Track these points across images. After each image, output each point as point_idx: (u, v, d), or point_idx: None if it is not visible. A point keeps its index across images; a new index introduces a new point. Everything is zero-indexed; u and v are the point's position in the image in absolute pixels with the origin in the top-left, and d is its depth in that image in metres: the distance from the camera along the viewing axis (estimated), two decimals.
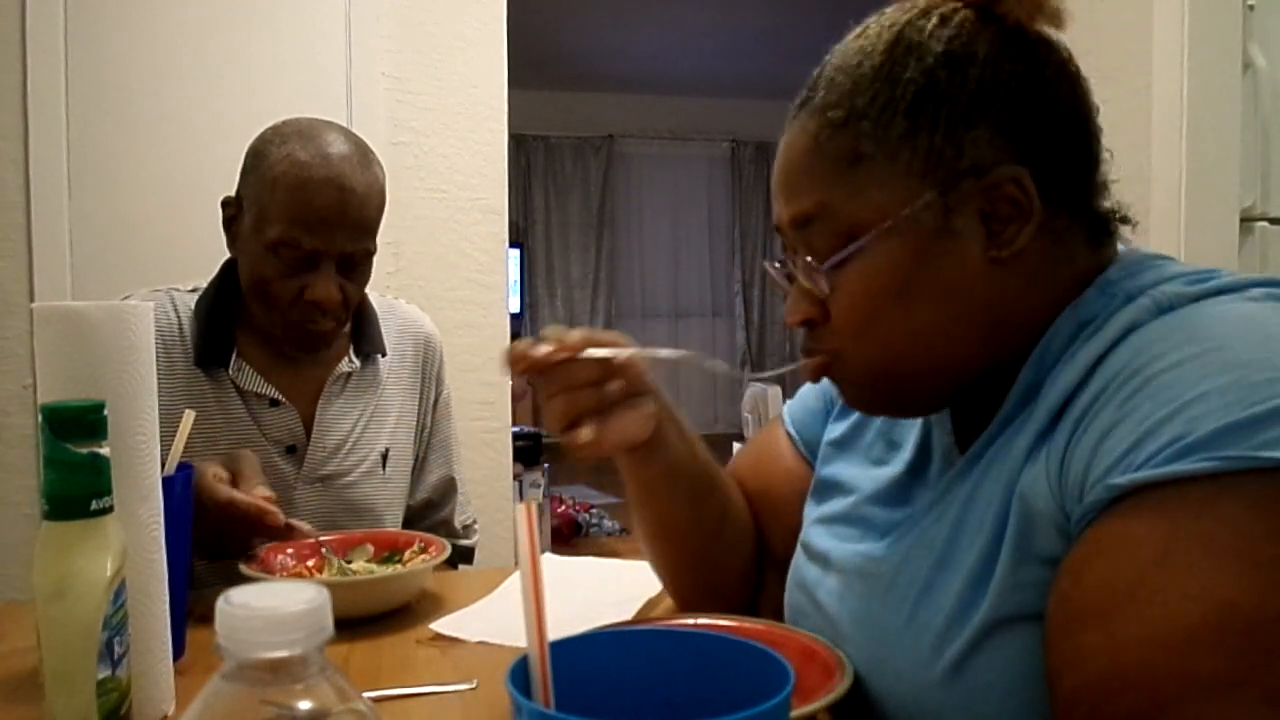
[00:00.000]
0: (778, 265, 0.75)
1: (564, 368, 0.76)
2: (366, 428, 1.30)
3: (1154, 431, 0.53)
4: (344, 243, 1.17)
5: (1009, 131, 0.64)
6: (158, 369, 1.19)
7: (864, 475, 0.80)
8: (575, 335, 0.76)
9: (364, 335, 1.32)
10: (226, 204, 1.25)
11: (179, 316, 1.25)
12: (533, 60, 5.86)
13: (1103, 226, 0.69)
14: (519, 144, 6.89)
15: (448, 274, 2.40)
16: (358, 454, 1.29)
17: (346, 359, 1.30)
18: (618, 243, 7.47)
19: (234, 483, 1.04)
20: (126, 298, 1.23)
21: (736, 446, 4.71)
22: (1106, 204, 0.69)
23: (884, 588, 0.69)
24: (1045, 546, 0.59)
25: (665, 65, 6.51)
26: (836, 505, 0.81)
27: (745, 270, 7.68)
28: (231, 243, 1.25)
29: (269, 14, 2.29)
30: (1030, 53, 0.66)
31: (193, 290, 1.29)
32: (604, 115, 7.26)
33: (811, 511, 0.84)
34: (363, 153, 1.21)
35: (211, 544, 1.01)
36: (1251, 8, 2.19)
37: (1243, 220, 2.23)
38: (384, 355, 1.34)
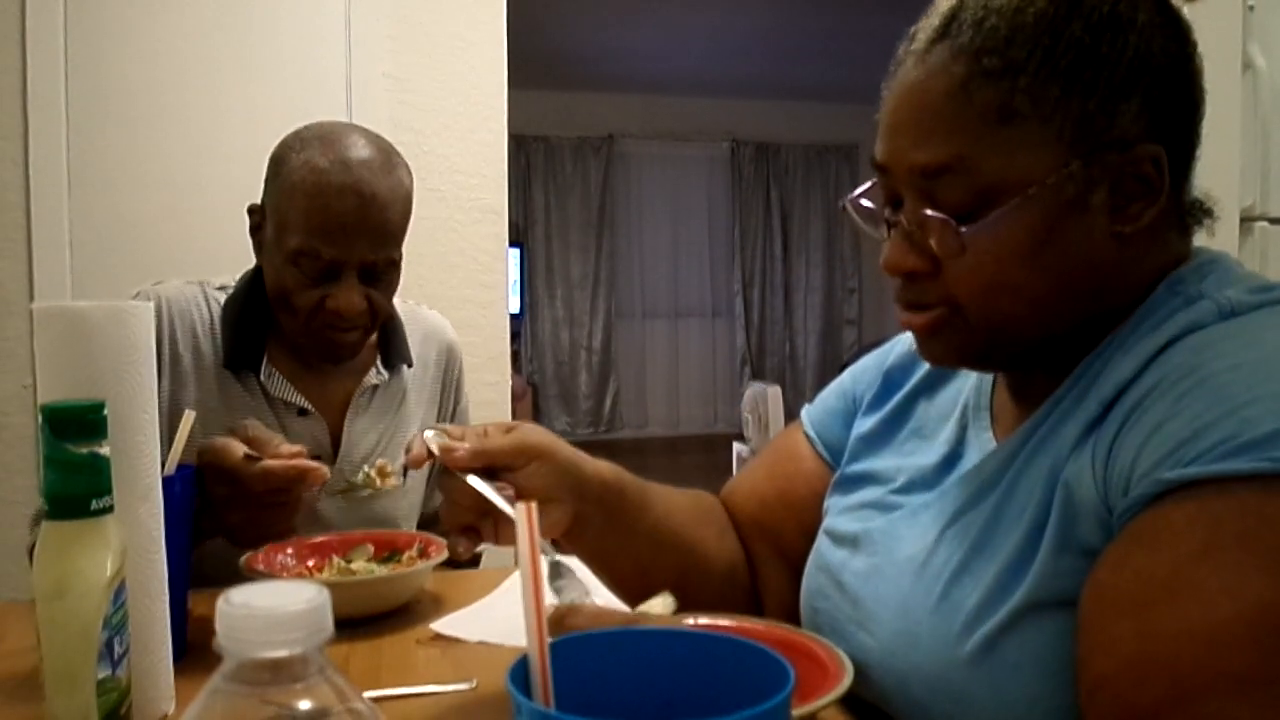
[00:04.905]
0: (865, 204, 0.72)
1: (447, 484, 0.76)
2: (391, 441, 1.28)
3: (1206, 429, 0.53)
4: (365, 251, 1.14)
5: (1154, 107, 0.63)
6: (188, 363, 1.19)
7: (897, 466, 0.80)
8: (460, 452, 0.74)
9: (392, 346, 1.29)
10: (251, 211, 1.22)
11: (212, 314, 1.23)
12: (533, 60, 5.85)
13: (1192, 215, 0.69)
14: (519, 144, 6.88)
15: (448, 274, 2.40)
16: None
17: (374, 370, 1.27)
18: (618, 243, 7.46)
19: (257, 451, 0.97)
20: (158, 283, 1.22)
21: (736, 446, 4.71)
22: (1193, 194, 0.69)
23: (916, 568, 0.70)
24: (1086, 536, 0.59)
25: (665, 65, 6.51)
26: (867, 494, 0.81)
27: (745, 270, 7.68)
28: (257, 251, 1.22)
29: (269, 14, 2.29)
30: (1176, 27, 0.65)
31: (221, 288, 1.26)
32: (604, 115, 7.26)
33: (837, 503, 0.84)
34: (386, 156, 1.17)
35: (252, 529, 0.97)
36: (1251, 8, 2.19)
37: (1243, 220, 2.23)
38: (410, 365, 1.31)
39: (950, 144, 0.63)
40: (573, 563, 1.07)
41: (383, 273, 1.17)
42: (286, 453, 0.96)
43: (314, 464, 0.96)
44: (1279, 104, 2.22)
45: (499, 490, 0.74)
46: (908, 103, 0.66)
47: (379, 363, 1.28)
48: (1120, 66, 0.62)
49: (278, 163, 1.17)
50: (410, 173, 1.22)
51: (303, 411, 1.22)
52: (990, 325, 0.67)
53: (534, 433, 0.79)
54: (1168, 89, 0.64)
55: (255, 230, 1.21)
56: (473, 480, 0.74)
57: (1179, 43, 0.65)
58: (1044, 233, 0.63)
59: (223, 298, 1.25)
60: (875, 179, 0.71)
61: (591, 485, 0.81)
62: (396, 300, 1.31)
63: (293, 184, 1.13)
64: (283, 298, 1.16)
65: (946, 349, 0.71)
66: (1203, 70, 0.67)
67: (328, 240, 1.12)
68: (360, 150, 1.14)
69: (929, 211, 0.65)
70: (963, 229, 0.64)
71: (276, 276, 1.17)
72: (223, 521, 0.97)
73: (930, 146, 0.64)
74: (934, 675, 0.65)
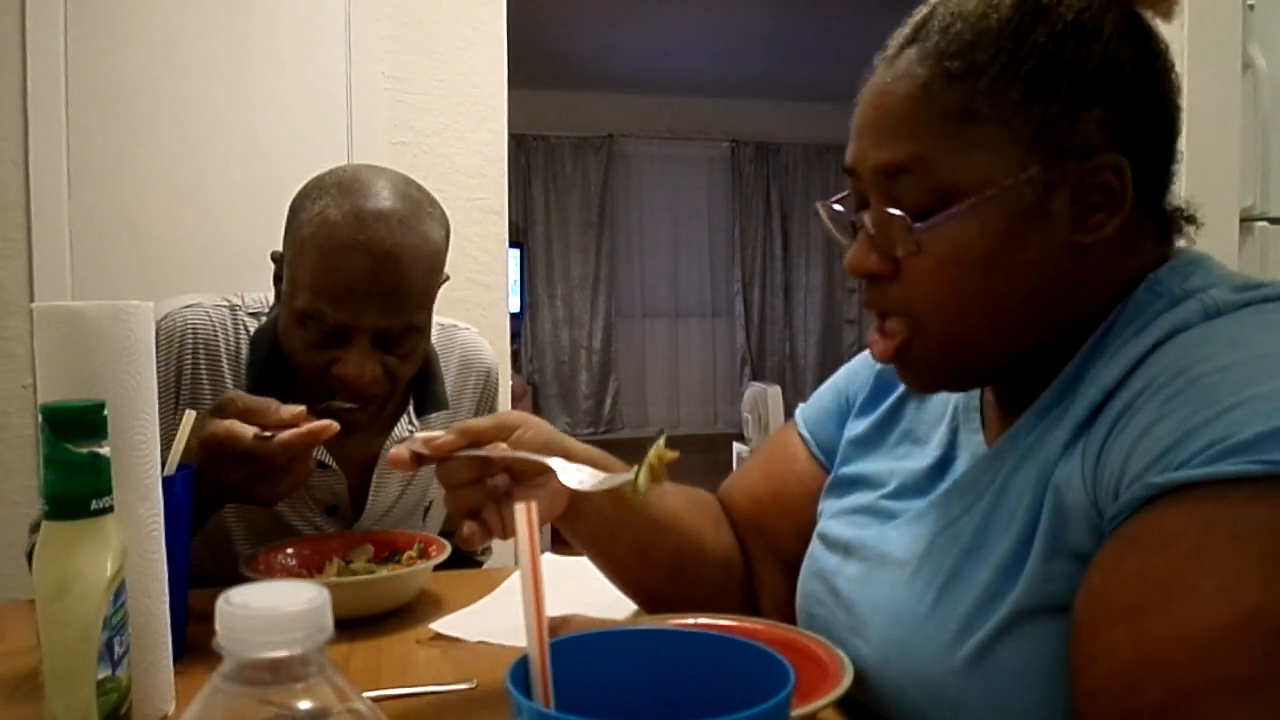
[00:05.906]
0: (836, 208, 0.73)
1: (444, 470, 0.77)
2: (413, 486, 1.23)
3: (1195, 432, 0.53)
4: (376, 318, 1.01)
5: (1118, 117, 0.63)
6: (209, 397, 1.12)
7: (888, 470, 0.80)
8: (446, 437, 0.76)
9: (428, 394, 1.18)
10: (275, 259, 1.11)
11: (239, 342, 1.14)
12: (533, 60, 5.85)
13: (1173, 223, 0.69)
14: (519, 144, 6.88)
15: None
16: (399, 513, 1.23)
17: (405, 420, 1.17)
18: (618, 243, 7.46)
19: (260, 424, 0.92)
20: (189, 305, 1.14)
21: (736, 446, 4.70)
22: (1175, 202, 0.69)
23: (908, 575, 0.69)
24: (1077, 541, 0.59)
25: (665, 65, 6.51)
26: (860, 498, 0.81)
27: (745, 270, 7.68)
28: (278, 300, 1.13)
29: (269, 14, 2.29)
30: (1146, 41, 0.65)
31: (253, 314, 1.17)
32: (604, 115, 7.25)
33: (831, 506, 0.84)
34: (413, 207, 1.03)
35: (277, 491, 0.94)
36: (1251, 8, 2.19)
37: (1243, 220, 2.23)
38: (446, 409, 1.21)
39: (910, 143, 0.64)
40: (574, 563, 1.07)
41: (399, 339, 1.05)
42: (290, 417, 0.92)
43: (322, 422, 0.92)
44: (1279, 104, 2.22)
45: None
46: (873, 105, 0.67)
47: (411, 411, 1.18)
48: (1083, 74, 0.62)
49: (293, 211, 1.06)
50: (445, 223, 1.09)
51: (322, 465, 1.14)
52: (948, 338, 0.67)
53: (512, 412, 0.82)
54: (1135, 100, 0.64)
55: (277, 280, 1.11)
56: (464, 454, 0.76)
57: (1149, 56, 0.65)
58: (1001, 237, 0.63)
59: (253, 326, 1.16)
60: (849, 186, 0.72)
61: (580, 456, 0.82)
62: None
63: (303, 238, 1.02)
64: (290, 358, 1.08)
65: (918, 373, 0.71)
66: (1179, 86, 0.67)
67: (334, 303, 1.00)
68: (380, 201, 1.01)
69: (887, 210, 0.65)
70: (916, 225, 0.64)
71: (285, 335, 1.07)
72: (247, 497, 0.95)
73: (891, 146, 0.65)
74: (929, 682, 0.64)
